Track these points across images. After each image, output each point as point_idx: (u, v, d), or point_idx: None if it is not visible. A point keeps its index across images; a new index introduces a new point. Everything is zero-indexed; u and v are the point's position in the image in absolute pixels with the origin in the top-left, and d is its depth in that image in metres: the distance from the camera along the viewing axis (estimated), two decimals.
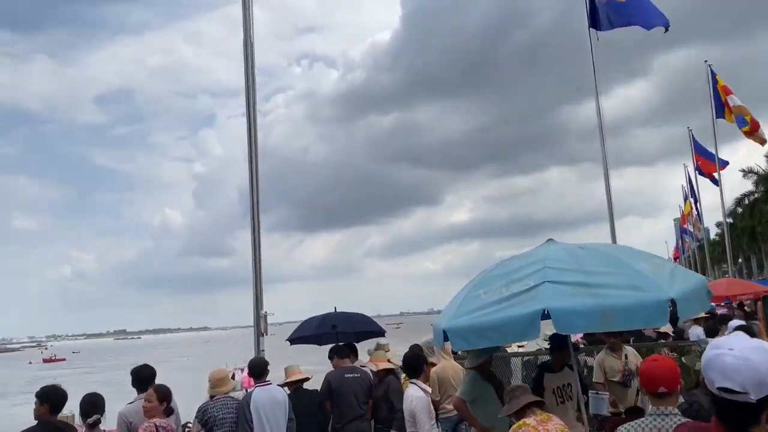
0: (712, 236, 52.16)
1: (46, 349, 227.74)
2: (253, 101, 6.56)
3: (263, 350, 6.24)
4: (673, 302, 3.70)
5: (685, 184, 33.26)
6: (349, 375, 6.49)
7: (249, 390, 8.56)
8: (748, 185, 47.92)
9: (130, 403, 5.36)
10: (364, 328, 8.39)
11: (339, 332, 7.68)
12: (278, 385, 6.15)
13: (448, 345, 7.16)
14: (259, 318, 6.13)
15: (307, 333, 8.12)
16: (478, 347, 4.68)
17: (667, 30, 10.16)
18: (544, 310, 3.83)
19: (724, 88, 19.39)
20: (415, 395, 5.52)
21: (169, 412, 4.96)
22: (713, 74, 19.71)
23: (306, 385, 6.79)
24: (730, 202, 41.81)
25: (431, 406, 5.64)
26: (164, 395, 4.90)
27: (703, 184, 27.04)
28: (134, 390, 5.50)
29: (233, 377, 11.22)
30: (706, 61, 20.60)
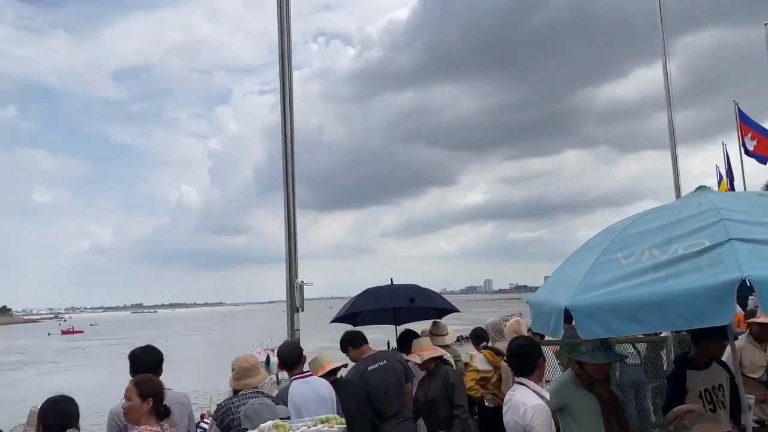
0: None
1: (64, 320, 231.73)
2: (289, 76, 5.35)
3: (298, 330, 4.93)
4: None
5: (721, 163, 31.50)
6: (372, 366, 5.11)
7: (281, 380, 7.26)
8: None
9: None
10: (444, 304, 6.99)
11: (418, 308, 6.46)
12: None
13: (521, 325, 5.92)
14: (294, 289, 4.82)
15: (369, 307, 6.56)
16: (623, 334, 3.33)
17: None
18: (744, 280, 2.51)
19: None
20: (530, 403, 3.50)
21: (164, 413, 3.48)
22: None
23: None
24: None
25: (551, 418, 3.62)
26: (150, 390, 3.42)
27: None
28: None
29: (267, 361, 9.18)
30: (766, 24, 18.98)
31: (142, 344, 4.22)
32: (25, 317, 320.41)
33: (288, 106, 5.32)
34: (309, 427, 3.42)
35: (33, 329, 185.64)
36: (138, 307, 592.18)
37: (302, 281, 4.96)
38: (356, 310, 6.52)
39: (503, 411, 3.67)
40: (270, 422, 3.31)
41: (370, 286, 6.60)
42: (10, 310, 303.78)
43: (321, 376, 4.69)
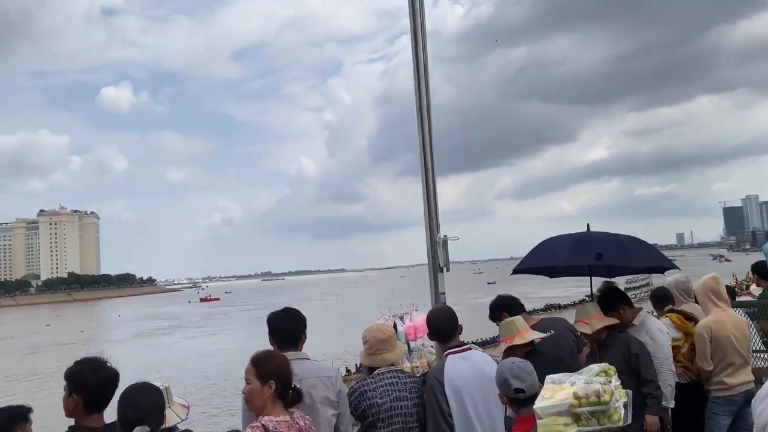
0: None
1: (202, 289, 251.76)
2: (422, 32, 4.62)
3: (443, 293, 4.20)
4: None
5: None
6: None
7: (413, 350, 6.54)
8: None
9: None
10: (647, 261, 4.98)
11: (606, 266, 5.06)
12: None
13: (718, 283, 4.81)
14: (436, 245, 4.10)
15: (544, 263, 5.27)
16: None
17: None
18: None
19: None
20: None
21: (294, 398, 2.74)
22: None
23: None
24: None
25: None
26: (272, 370, 2.70)
27: None
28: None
29: (395, 328, 8.35)
30: None
31: (279, 307, 3.66)
32: (167, 287, 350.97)
33: (422, 63, 4.64)
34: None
35: (175, 297, 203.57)
36: (267, 275, 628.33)
37: (445, 235, 4.20)
38: (537, 264, 5.21)
39: (755, 405, 2.25)
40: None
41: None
42: (155, 280, 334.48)
43: (510, 348, 3.63)
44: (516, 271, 5.22)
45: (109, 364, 2.91)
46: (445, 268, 4.26)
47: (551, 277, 5.34)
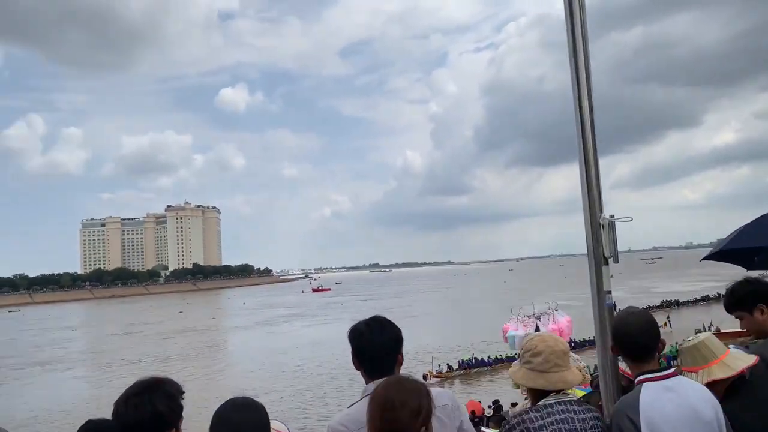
0: None
1: (315, 279, 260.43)
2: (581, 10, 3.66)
3: (610, 292, 3.10)
4: None
5: None
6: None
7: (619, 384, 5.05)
8: None
9: (350, 405, 2.38)
10: None
11: None
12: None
13: None
14: (598, 229, 3.02)
15: (748, 244, 3.53)
16: None
17: None
18: None
19: None
20: None
21: None
22: None
23: None
24: None
25: None
26: (415, 408, 1.86)
27: None
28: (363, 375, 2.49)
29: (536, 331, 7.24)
30: None
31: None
32: (282, 277, 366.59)
33: (579, 37, 3.66)
34: None
35: (290, 287, 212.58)
36: (375, 266, 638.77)
37: (611, 216, 3.02)
38: (745, 245, 3.63)
39: None
40: None
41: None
42: (271, 271, 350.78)
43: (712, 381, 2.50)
44: (708, 257, 3.87)
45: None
46: (611, 259, 3.08)
47: (747, 268, 3.88)
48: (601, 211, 3.13)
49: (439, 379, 35.20)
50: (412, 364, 37.48)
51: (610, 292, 3.10)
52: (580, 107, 3.95)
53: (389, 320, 2.51)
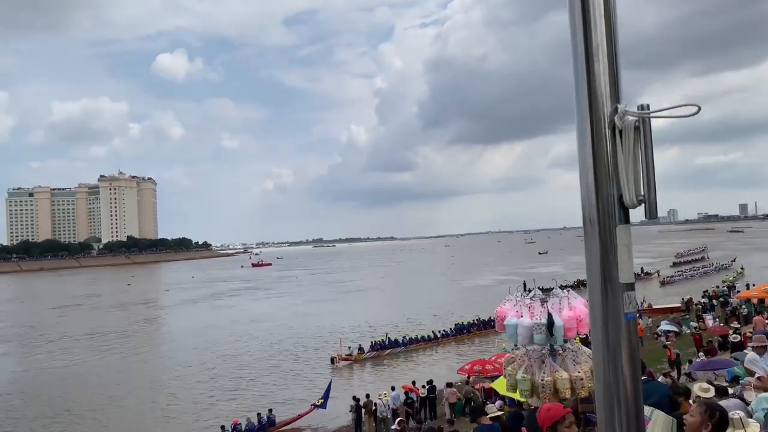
0: None
1: (255, 254, 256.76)
2: None
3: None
4: None
5: None
6: None
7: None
8: None
9: None
10: None
11: None
12: None
13: None
14: (615, 132, 1.27)
15: None
16: None
17: None
18: None
19: None
20: None
21: None
22: None
23: None
24: None
25: None
26: None
27: None
28: None
29: (550, 324, 5.83)
30: None
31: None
32: (221, 251, 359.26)
33: None
34: None
35: (230, 262, 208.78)
36: (318, 241, 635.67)
37: (645, 106, 1.46)
38: None
39: None
40: None
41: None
42: (210, 245, 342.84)
43: None
44: None
45: None
46: (642, 209, 1.44)
47: None
48: (618, 101, 1.43)
49: (348, 362, 33.38)
50: (328, 345, 36.77)
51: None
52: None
53: None
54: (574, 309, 6.01)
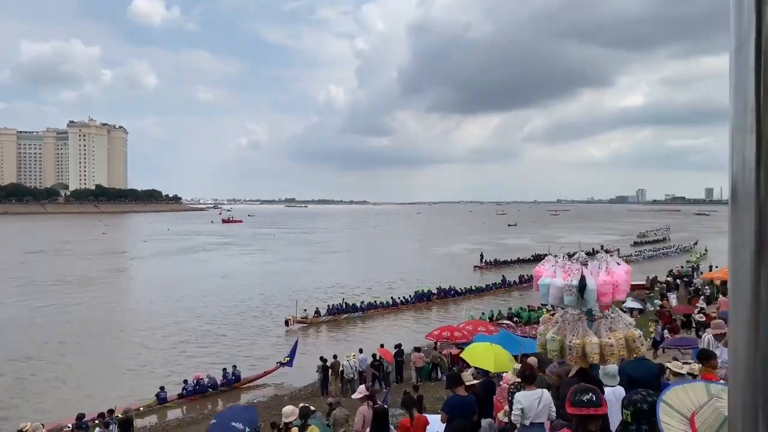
0: None
1: (227, 210, 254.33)
2: None
3: None
4: None
5: None
6: None
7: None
8: None
9: None
10: None
11: None
12: None
13: None
14: None
15: None
16: None
17: None
18: None
19: None
20: None
21: None
22: None
23: None
24: None
25: None
26: None
27: None
28: None
29: (582, 286, 5.77)
30: None
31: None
32: (191, 205, 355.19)
33: None
34: None
35: (200, 217, 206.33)
36: (291, 201, 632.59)
37: None
38: None
39: None
40: None
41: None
42: (180, 198, 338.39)
43: None
44: None
45: None
46: None
47: None
48: None
49: (302, 325, 32.70)
50: (282, 309, 35.43)
51: None
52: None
53: None
54: (612, 274, 5.89)
